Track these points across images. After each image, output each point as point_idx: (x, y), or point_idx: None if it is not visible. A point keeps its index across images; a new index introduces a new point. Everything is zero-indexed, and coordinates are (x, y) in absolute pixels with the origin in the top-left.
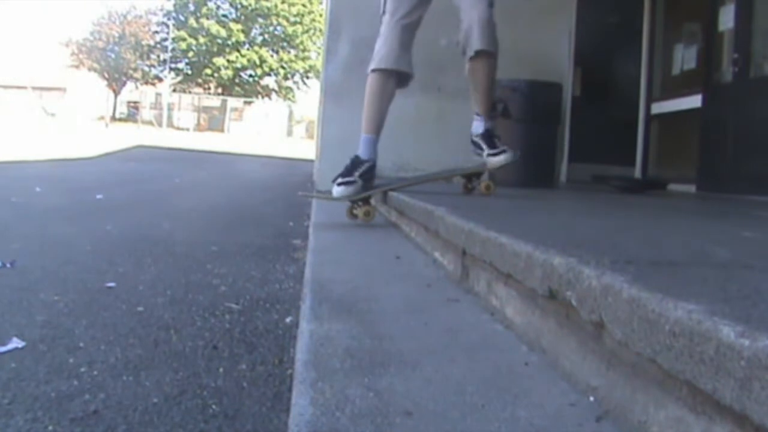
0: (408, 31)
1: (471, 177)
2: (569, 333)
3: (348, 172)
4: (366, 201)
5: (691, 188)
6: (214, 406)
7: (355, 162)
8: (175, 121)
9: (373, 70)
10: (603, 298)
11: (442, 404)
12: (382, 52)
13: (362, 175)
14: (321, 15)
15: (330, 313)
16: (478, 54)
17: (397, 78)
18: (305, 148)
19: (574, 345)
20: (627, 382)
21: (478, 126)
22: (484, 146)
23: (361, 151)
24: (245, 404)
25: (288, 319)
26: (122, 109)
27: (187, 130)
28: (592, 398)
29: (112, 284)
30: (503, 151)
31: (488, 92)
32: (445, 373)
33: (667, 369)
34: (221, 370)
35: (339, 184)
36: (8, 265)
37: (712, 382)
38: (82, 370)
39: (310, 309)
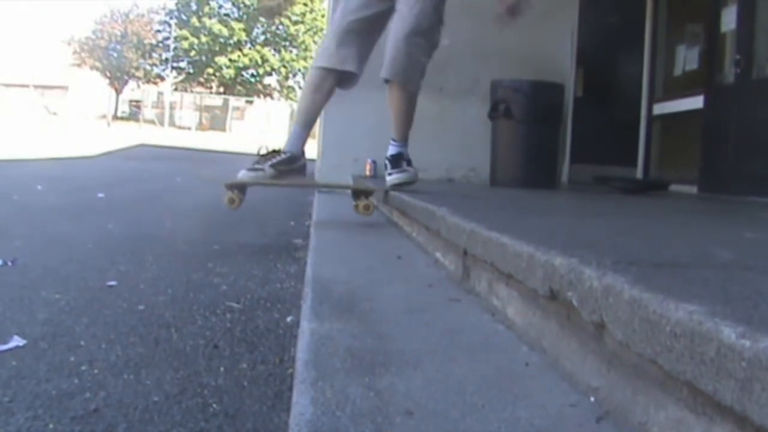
0: (353, 29)
1: (360, 194)
2: (570, 334)
3: (263, 159)
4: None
5: (693, 189)
6: (214, 405)
7: (275, 152)
8: (177, 120)
9: (313, 66)
10: (604, 298)
11: (442, 404)
12: (320, 49)
13: (275, 165)
14: (323, 15)
15: (331, 312)
16: (387, 81)
17: (336, 77)
18: (307, 148)
19: (574, 346)
20: (627, 383)
21: (390, 149)
22: (389, 167)
23: (285, 142)
24: (246, 403)
25: (289, 319)
26: (124, 108)
27: (189, 129)
28: (592, 399)
29: (113, 283)
30: (403, 171)
31: (403, 121)
32: (446, 373)
33: (667, 370)
34: (222, 369)
35: (248, 169)
36: (9, 263)
37: (713, 383)
38: (83, 368)
39: (311, 308)
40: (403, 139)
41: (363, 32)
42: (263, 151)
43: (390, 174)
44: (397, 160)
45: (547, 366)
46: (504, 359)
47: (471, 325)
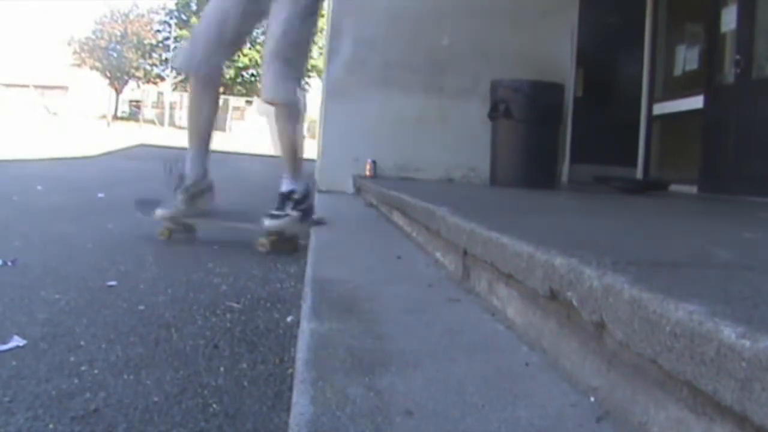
0: (220, 29)
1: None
2: (570, 333)
3: (175, 191)
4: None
5: (693, 189)
6: (214, 405)
7: (181, 177)
8: (177, 120)
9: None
10: (604, 298)
11: (442, 404)
12: (187, 54)
13: (185, 193)
14: (323, 15)
15: (331, 312)
16: (269, 102)
17: (207, 80)
18: (306, 148)
19: (574, 345)
20: (627, 382)
21: (282, 185)
22: (277, 203)
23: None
24: (246, 403)
25: (289, 319)
26: (124, 108)
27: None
28: (592, 399)
29: (113, 283)
30: (286, 216)
31: (290, 149)
32: (446, 373)
33: (667, 370)
34: (222, 369)
35: (162, 208)
36: (9, 263)
37: (713, 383)
38: (83, 368)
39: (311, 308)
40: (292, 174)
41: (228, 34)
42: (169, 170)
43: (273, 216)
44: (285, 200)
45: (547, 366)
46: (504, 359)
47: (471, 325)
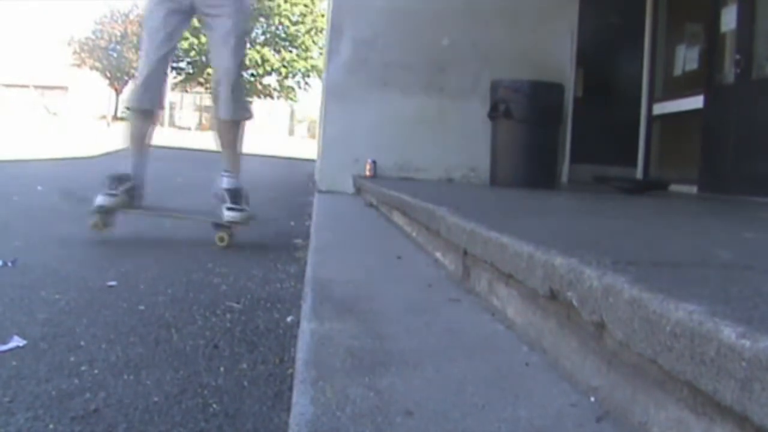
0: (156, 69)
1: (216, 225)
2: (570, 333)
3: (116, 184)
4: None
5: (693, 189)
6: (214, 405)
7: (123, 176)
8: (177, 121)
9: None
10: (604, 298)
11: (442, 404)
12: (132, 90)
13: (127, 190)
14: (323, 15)
15: (331, 312)
16: (227, 121)
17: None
18: (307, 148)
19: (575, 345)
20: (628, 382)
21: (224, 182)
22: (228, 199)
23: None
24: (246, 403)
25: (289, 319)
26: (124, 108)
27: (189, 129)
28: (592, 399)
29: (113, 283)
30: (243, 210)
31: (235, 153)
32: (446, 373)
33: (667, 370)
34: (222, 369)
35: (104, 194)
36: (9, 264)
37: (713, 383)
38: (83, 368)
39: (311, 308)
40: (235, 171)
41: (165, 66)
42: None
43: (231, 209)
44: (236, 195)
45: (547, 366)
46: (504, 359)
47: (471, 325)
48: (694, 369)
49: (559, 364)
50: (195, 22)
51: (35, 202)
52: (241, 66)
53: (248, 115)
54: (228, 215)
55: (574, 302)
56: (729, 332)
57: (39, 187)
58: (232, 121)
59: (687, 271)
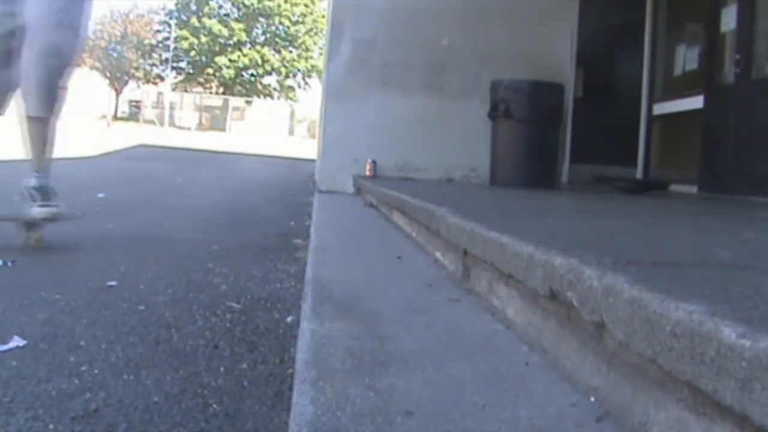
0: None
1: (28, 226)
2: (570, 333)
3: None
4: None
5: (693, 189)
6: (214, 405)
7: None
8: (177, 121)
9: None
10: (604, 298)
11: (442, 404)
12: None
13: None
14: (323, 15)
15: (331, 312)
16: (36, 117)
17: None
18: (307, 148)
19: (575, 345)
20: (628, 382)
21: (32, 181)
22: (37, 197)
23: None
24: (246, 403)
25: (289, 319)
26: (124, 108)
27: (189, 129)
28: (592, 399)
29: (113, 283)
30: (52, 206)
31: (42, 151)
32: (446, 373)
33: (667, 370)
34: (222, 369)
35: (40, 206)
36: (9, 264)
37: (713, 383)
38: (83, 368)
39: (311, 308)
40: (42, 169)
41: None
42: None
43: (41, 206)
44: (45, 193)
45: (547, 366)
46: (504, 359)
47: (471, 325)
48: (694, 369)
49: (559, 364)
50: (195, 21)
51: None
52: (69, 47)
53: (57, 111)
54: (37, 212)
55: (574, 302)
56: (729, 332)
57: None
58: (39, 118)
59: (687, 271)
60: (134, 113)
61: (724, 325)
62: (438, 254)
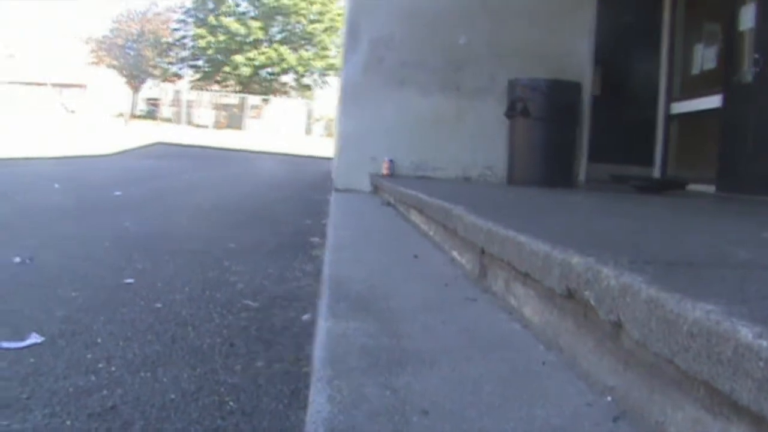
0: None
1: None
2: (587, 332)
3: None
4: None
5: (711, 188)
6: (231, 403)
7: None
8: (194, 119)
9: None
10: (621, 298)
11: (458, 403)
12: None
13: None
14: (340, 14)
15: (347, 311)
16: None
17: None
18: (324, 146)
19: (591, 344)
20: (644, 382)
21: None
22: None
23: None
24: (262, 401)
25: (305, 317)
26: (141, 107)
27: (206, 127)
28: (609, 398)
29: (130, 280)
30: None
31: None
32: (462, 372)
33: (684, 369)
34: (238, 367)
35: None
36: (27, 261)
37: (730, 383)
38: (100, 365)
39: (328, 307)
40: None
41: None
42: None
43: None
44: None
45: (564, 365)
46: (520, 358)
47: (487, 324)
48: (711, 369)
49: (576, 364)
50: (212, 20)
51: (53, 200)
52: None
53: None
54: None
55: (592, 301)
56: (746, 332)
57: (56, 185)
58: None
59: (704, 270)
60: (152, 111)
61: (741, 325)
62: (455, 253)
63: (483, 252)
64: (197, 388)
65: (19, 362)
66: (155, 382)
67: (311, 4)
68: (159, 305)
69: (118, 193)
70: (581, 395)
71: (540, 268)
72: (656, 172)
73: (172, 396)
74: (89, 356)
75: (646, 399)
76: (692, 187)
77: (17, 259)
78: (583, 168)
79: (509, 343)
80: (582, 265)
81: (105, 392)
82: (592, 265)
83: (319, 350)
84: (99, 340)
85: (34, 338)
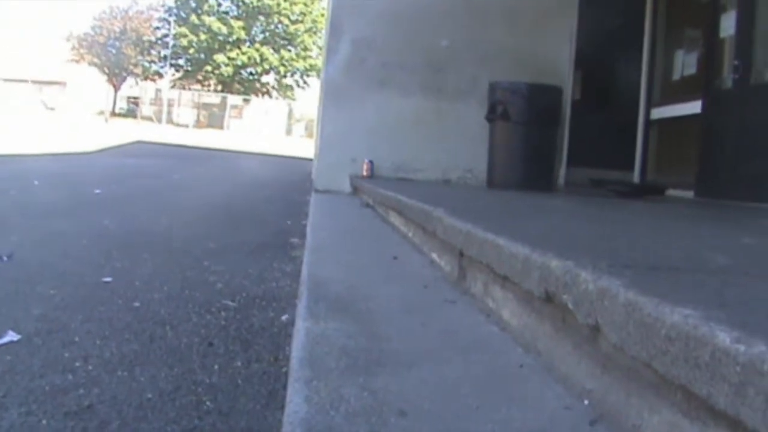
0: None
1: None
2: (565, 336)
3: None
4: None
5: (690, 194)
6: (208, 403)
7: None
8: (175, 118)
9: None
10: (599, 301)
11: (436, 405)
12: None
13: None
14: (322, 15)
15: (326, 311)
16: None
17: None
18: (304, 147)
19: (569, 348)
20: (621, 386)
21: None
22: None
23: None
24: (240, 401)
25: (284, 317)
26: (122, 105)
27: (187, 126)
28: (586, 401)
29: (108, 279)
30: None
31: None
32: (441, 374)
33: (662, 373)
34: (216, 366)
35: None
36: (5, 258)
37: (707, 387)
38: (77, 364)
39: (306, 307)
40: None
41: None
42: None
43: None
44: None
45: (542, 368)
46: (498, 361)
47: (466, 327)
48: (689, 373)
49: (554, 367)
50: (194, 19)
51: (32, 197)
52: None
53: None
54: None
55: (570, 305)
56: (724, 337)
57: (36, 182)
58: None
59: (683, 275)
60: (132, 110)
61: (719, 330)
62: (434, 255)
63: (462, 254)
64: (174, 387)
65: None
66: (132, 382)
67: (293, 4)
68: (137, 304)
69: (97, 191)
70: (559, 399)
71: (519, 271)
72: (636, 177)
73: (149, 395)
74: (66, 355)
75: (623, 402)
76: (672, 192)
77: None
78: (562, 172)
79: (487, 346)
80: (561, 269)
81: (81, 391)
82: (571, 268)
83: (297, 350)
84: (76, 339)
85: (11, 336)
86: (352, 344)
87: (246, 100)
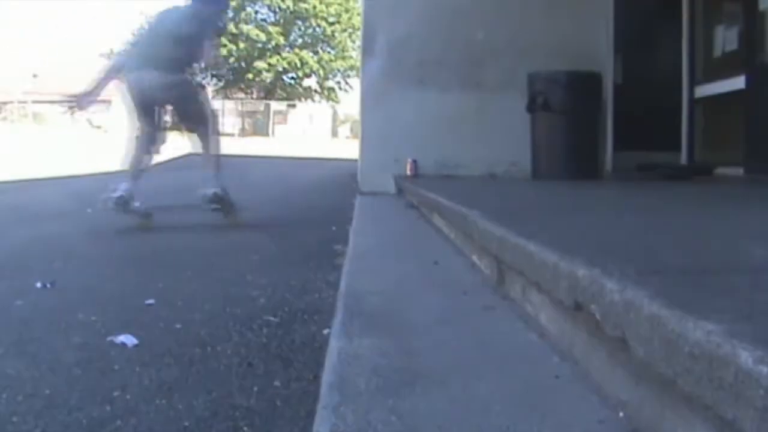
0: None
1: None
2: (599, 343)
3: None
4: None
5: (739, 171)
6: (245, 429)
7: None
8: (220, 128)
9: None
10: (625, 314)
11: (466, 426)
12: None
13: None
14: (358, 13)
15: (361, 328)
16: None
17: None
18: (350, 148)
19: (604, 356)
20: (656, 398)
21: None
22: None
23: None
24: (277, 424)
25: (326, 331)
26: (167, 119)
27: (233, 135)
28: (621, 414)
29: (151, 301)
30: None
31: None
32: (472, 391)
33: (688, 392)
34: (255, 388)
35: None
36: (48, 285)
37: (732, 411)
38: (116, 394)
39: (341, 324)
40: None
41: None
42: None
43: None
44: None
45: (578, 378)
46: (534, 372)
47: (503, 336)
48: (714, 394)
49: (590, 376)
50: (232, 28)
51: (81, 221)
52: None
53: None
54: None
55: (598, 316)
56: (746, 356)
57: (89, 210)
58: None
59: (714, 278)
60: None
61: (741, 348)
62: (474, 257)
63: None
64: (212, 413)
65: (35, 395)
66: (170, 410)
67: (328, 6)
68: (178, 326)
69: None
70: (593, 412)
71: (549, 279)
72: (683, 157)
73: (186, 423)
74: (105, 384)
75: (659, 416)
76: (720, 170)
77: (38, 285)
78: (608, 158)
79: (523, 356)
80: (587, 278)
81: (119, 422)
82: (597, 277)
83: (327, 374)
84: (116, 367)
85: (126, 339)
86: (384, 363)
87: (290, 105)
